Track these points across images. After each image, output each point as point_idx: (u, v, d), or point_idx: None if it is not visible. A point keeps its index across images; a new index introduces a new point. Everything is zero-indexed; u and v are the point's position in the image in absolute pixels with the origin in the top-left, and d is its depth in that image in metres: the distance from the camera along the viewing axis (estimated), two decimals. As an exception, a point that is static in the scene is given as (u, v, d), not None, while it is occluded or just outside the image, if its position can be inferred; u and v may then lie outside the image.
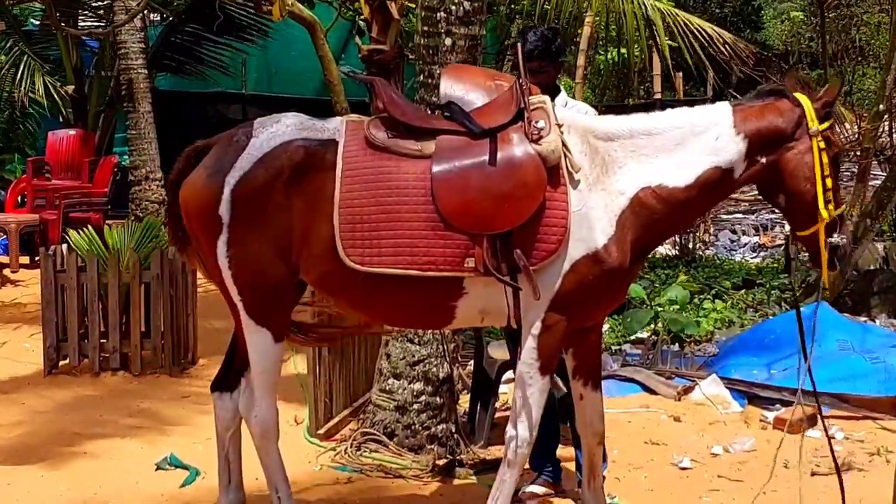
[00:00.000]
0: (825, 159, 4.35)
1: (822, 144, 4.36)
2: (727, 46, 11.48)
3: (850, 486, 5.55)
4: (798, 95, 4.43)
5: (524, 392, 4.38)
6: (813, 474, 5.70)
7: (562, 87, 5.40)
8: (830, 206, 4.37)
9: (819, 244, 4.43)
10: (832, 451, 4.92)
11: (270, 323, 4.51)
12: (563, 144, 4.31)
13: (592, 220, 4.29)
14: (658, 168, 4.41)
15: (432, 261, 4.21)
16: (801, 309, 8.49)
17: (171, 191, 4.68)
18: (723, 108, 4.51)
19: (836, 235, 4.41)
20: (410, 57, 10.37)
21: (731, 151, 4.41)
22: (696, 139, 4.43)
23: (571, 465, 5.59)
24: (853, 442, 6.41)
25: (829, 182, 4.35)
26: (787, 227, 14.50)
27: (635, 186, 4.39)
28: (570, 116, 4.54)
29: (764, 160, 4.43)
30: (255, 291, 4.44)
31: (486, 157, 4.26)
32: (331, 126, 4.47)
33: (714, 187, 4.47)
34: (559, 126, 4.35)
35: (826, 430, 4.99)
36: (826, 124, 4.40)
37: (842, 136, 4.77)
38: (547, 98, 4.49)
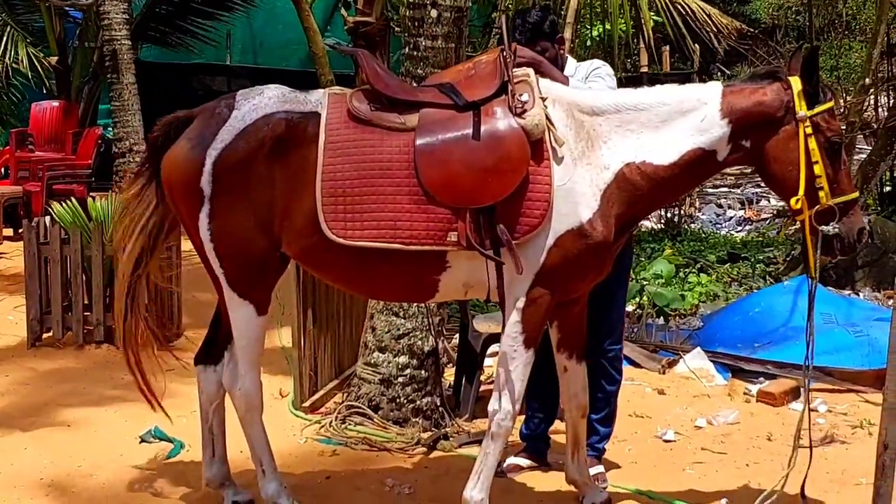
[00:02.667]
0: (812, 145, 4.30)
1: (809, 129, 4.29)
2: (711, 21, 11.49)
3: (834, 458, 5.61)
4: (792, 79, 4.36)
5: (508, 366, 4.38)
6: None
7: (569, 56, 5.37)
8: (822, 194, 4.32)
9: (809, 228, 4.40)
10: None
11: (253, 296, 4.50)
12: (547, 118, 4.29)
13: (577, 194, 4.27)
14: (643, 144, 4.39)
15: (415, 235, 4.20)
16: (787, 282, 8.58)
17: (149, 154, 4.67)
18: (713, 89, 4.47)
19: (831, 224, 4.34)
20: (396, 29, 10.34)
21: (715, 134, 4.37)
22: (682, 118, 4.41)
23: (558, 438, 5.60)
24: (836, 415, 6.44)
25: (818, 169, 4.29)
26: (773, 202, 14.58)
27: (620, 161, 4.37)
28: (556, 89, 4.51)
29: (748, 144, 4.40)
30: (237, 264, 4.43)
31: (470, 131, 4.24)
32: (313, 98, 4.45)
33: (697, 167, 4.45)
34: (543, 99, 4.33)
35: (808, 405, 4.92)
36: (819, 108, 4.33)
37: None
38: (531, 71, 4.47)
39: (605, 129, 4.41)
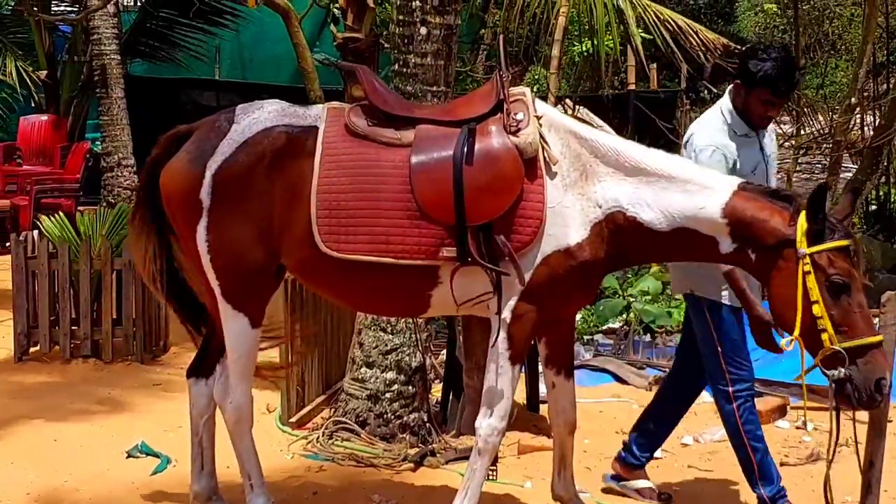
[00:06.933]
0: (811, 283, 4.03)
1: (808, 267, 4.04)
2: (698, 38, 11.53)
3: (819, 476, 5.59)
4: (803, 213, 4.08)
5: (494, 382, 4.39)
6: (781, 465, 5.74)
7: None
8: (824, 336, 4.03)
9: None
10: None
11: (248, 308, 4.52)
12: (542, 137, 4.30)
13: (567, 217, 4.28)
14: (637, 199, 4.31)
15: (407, 249, 4.22)
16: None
17: (148, 173, 4.67)
18: (726, 185, 4.28)
19: (839, 369, 4.03)
20: (385, 45, 10.35)
21: (711, 224, 4.22)
22: (682, 195, 4.27)
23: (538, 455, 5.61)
24: (822, 433, 6.44)
25: (817, 309, 4.03)
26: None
27: (612, 205, 4.32)
28: (553, 114, 4.50)
29: (753, 256, 4.22)
30: (233, 276, 4.45)
31: (465, 149, 4.26)
32: (313, 113, 4.49)
33: (691, 246, 4.33)
34: (538, 118, 4.34)
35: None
36: (820, 247, 4.05)
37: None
38: (527, 90, 4.49)
39: (602, 171, 4.35)
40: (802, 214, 4.10)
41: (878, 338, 4.10)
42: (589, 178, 4.35)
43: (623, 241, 4.35)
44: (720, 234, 4.25)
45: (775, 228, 4.15)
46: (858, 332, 4.05)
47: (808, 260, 4.05)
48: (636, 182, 4.33)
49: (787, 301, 4.11)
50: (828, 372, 4.07)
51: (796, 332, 4.09)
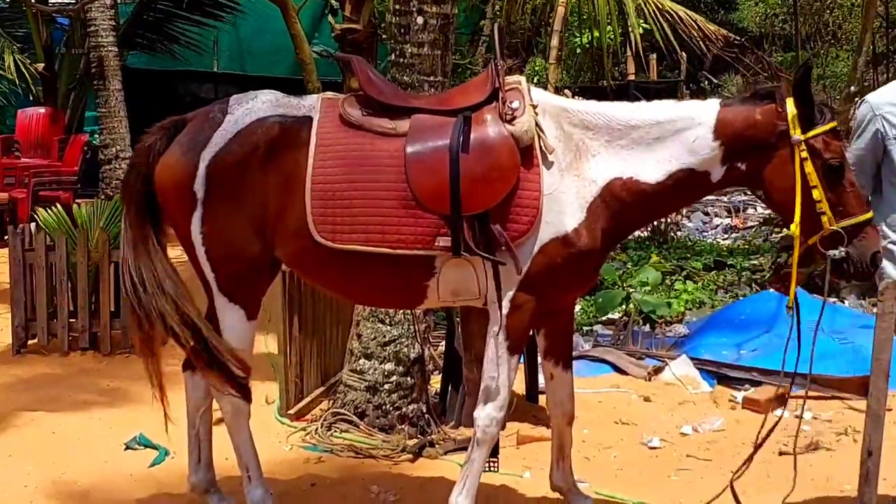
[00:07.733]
0: (809, 169, 4.11)
1: (805, 153, 4.11)
2: (698, 29, 11.52)
3: (818, 465, 5.62)
4: (788, 100, 4.18)
5: (493, 372, 4.37)
6: (781, 454, 5.73)
7: None
8: (824, 219, 4.13)
9: (817, 253, 4.20)
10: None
11: (243, 301, 4.49)
12: (537, 125, 4.28)
13: (563, 203, 4.25)
14: (632, 161, 4.32)
15: (402, 239, 4.19)
16: (772, 290, 8.56)
17: (144, 162, 4.55)
18: (709, 108, 4.33)
19: (839, 249, 4.13)
20: (383, 36, 10.34)
21: (706, 155, 4.26)
22: (673, 137, 4.30)
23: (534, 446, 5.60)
24: (821, 422, 6.45)
25: (816, 193, 4.11)
26: (760, 210, 14.60)
27: (607, 176, 4.32)
28: (546, 98, 4.49)
29: (744, 167, 4.27)
30: (228, 268, 4.42)
31: (460, 138, 4.24)
32: (307, 103, 4.46)
33: (687, 187, 4.35)
34: (534, 107, 4.33)
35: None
36: (814, 131, 4.13)
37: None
38: (523, 78, 4.46)
39: (595, 144, 4.36)
40: (789, 101, 4.17)
41: (869, 214, 4.22)
42: (583, 155, 4.34)
43: (621, 209, 4.34)
44: (713, 164, 4.28)
45: (767, 123, 4.20)
46: (853, 211, 4.18)
47: (803, 146, 4.13)
48: (629, 142, 4.34)
49: (788, 189, 4.18)
50: (827, 252, 4.17)
51: (797, 219, 4.15)
